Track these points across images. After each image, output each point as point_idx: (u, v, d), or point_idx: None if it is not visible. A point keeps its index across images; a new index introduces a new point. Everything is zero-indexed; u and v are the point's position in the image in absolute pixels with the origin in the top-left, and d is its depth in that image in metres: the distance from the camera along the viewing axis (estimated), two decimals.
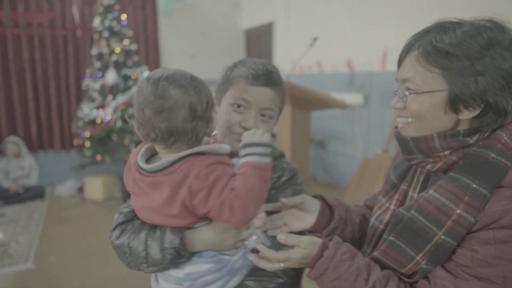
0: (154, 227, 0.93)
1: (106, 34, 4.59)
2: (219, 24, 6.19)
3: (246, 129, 0.96)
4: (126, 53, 4.66)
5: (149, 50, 5.74)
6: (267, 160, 0.87)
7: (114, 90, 4.56)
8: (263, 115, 1.01)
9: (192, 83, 0.85)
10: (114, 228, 1.00)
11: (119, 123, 4.41)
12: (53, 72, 5.20)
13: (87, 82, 4.71)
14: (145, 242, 0.91)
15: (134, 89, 4.55)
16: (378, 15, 3.86)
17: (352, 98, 4.03)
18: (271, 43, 5.64)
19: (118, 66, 4.60)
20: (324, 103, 2.68)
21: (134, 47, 4.72)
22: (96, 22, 4.64)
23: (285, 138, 2.76)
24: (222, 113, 1.01)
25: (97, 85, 4.57)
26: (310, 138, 2.85)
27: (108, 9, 4.61)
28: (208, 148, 0.87)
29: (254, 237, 0.92)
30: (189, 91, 0.83)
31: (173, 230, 0.90)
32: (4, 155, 4.97)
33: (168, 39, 5.91)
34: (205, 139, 0.92)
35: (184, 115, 0.82)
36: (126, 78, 4.62)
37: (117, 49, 4.54)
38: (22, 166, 4.94)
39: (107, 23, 4.59)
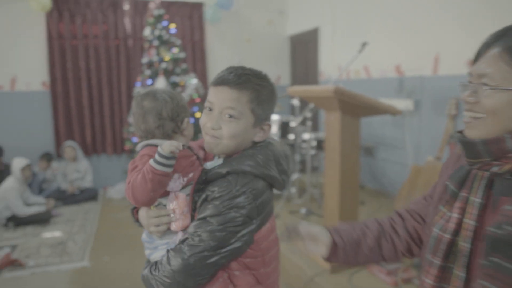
0: None
1: (156, 43, 4.76)
2: (264, 31, 6.25)
3: (211, 128, 1.04)
4: (175, 61, 4.81)
5: (196, 58, 5.89)
6: (156, 167, 1.03)
7: None
8: (229, 115, 1.02)
9: (161, 95, 1.17)
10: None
11: None
12: (106, 81, 5.47)
13: (137, 90, 4.90)
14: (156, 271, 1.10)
15: (182, 96, 4.68)
16: (430, 19, 3.74)
17: (401, 104, 3.91)
18: (316, 49, 5.61)
19: (167, 73, 4.76)
20: (375, 109, 2.62)
21: (182, 55, 4.86)
22: (147, 31, 4.83)
23: (334, 144, 2.72)
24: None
25: None
26: (364, 145, 2.80)
27: (158, 19, 4.79)
28: (154, 142, 1.15)
29: (175, 236, 1.12)
30: (155, 100, 1.16)
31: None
32: (62, 159, 5.27)
33: (215, 47, 6.04)
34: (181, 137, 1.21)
35: (153, 118, 1.15)
36: (174, 85, 4.76)
37: (167, 57, 4.69)
38: (78, 169, 5.21)
39: (157, 32, 4.76)
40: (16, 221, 4.26)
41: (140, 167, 1.09)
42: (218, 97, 1.03)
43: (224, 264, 1.04)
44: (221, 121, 1.03)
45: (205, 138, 1.08)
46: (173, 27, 4.93)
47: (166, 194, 1.12)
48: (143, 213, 1.14)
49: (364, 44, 3.14)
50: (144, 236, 1.18)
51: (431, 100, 3.79)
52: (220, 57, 6.05)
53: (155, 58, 4.76)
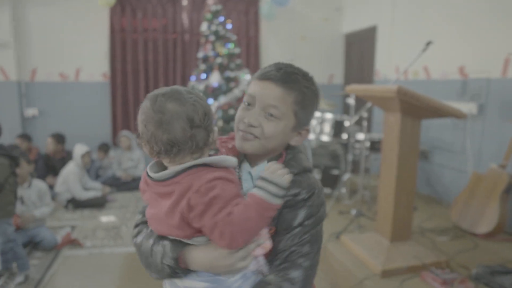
0: (160, 237, 0.94)
1: (212, 38, 4.84)
2: (319, 29, 6.17)
3: (249, 125, 0.94)
4: (230, 56, 4.87)
5: (249, 53, 5.93)
6: (275, 201, 0.86)
7: (216, 91, 4.79)
8: (269, 114, 0.94)
9: (187, 96, 0.88)
10: (135, 226, 1.06)
11: (220, 123, 4.62)
12: (162, 73, 5.65)
13: (192, 83, 5.01)
14: (150, 250, 0.94)
15: (235, 91, 4.74)
16: (500, 17, 3.51)
17: (463, 107, 3.71)
18: (373, 48, 5.45)
19: (222, 68, 4.82)
20: (439, 112, 2.49)
21: (237, 50, 4.91)
22: (204, 27, 4.93)
23: (392, 146, 2.63)
24: None
25: (201, 86, 4.84)
26: (419, 148, 2.69)
27: (215, 14, 4.87)
28: (213, 160, 0.88)
29: (254, 262, 0.91)
30: (184, 103, 0.86)
31: (173, 246, 0.90)
32: (118, 147, 5.52)
33: (269, 43, 6.05)
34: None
35: (182, 126, 0.85)
36: (228, 80, 4.82)
37: (222, 52, 4.76)
38: (132, 158, 5.43)
39: (213, 27, 4.84)
40: (75, 204, 4.52)
41: (232, 195, 0.85)
42: (262, 92, 0.94)
43: None
44: (260, 119, 0.94)
45: (238, 135, 0.98)
46: (229, 22, 4.99)
47: None
48: (213, 253, 0.88)
49: (428, 43, 3.00)
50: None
51: (497, 105, 3.56)
52: (274, 53, 6.06)
53: (210, 53, 4.84)
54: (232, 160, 0.90)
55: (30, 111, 5.44)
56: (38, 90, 5.47)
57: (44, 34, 5.36)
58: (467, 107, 3.69)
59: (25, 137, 5.14)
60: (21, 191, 3.37)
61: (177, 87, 0.91)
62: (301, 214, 0.94)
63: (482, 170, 3.61)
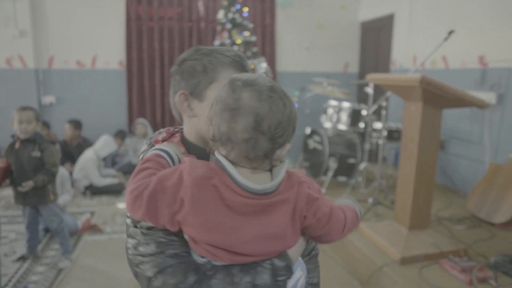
0: (249, 265, 0.80)
1: (228, 26, 4.84)
2: (335, 17, 6.11)
3: None
4: (246, 44, 4.86)
5: (265, 41, 5.92)
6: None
7: None
8: None
9: (270, 93, 0.74)
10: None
11: None
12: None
13: None
14: (252, 283, 0.79)
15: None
16: None
17: (482, 97, 3.67)
18: (390, 36, 5.40)
19: None
20: (461, 101, 2.48)
21: (253, 38, 4.91)
22: (220, 14, 4.92)
23: (413, 135, 2.63)
24: (207, 108, 0.84)
25: None
26: (440, 138, 2.69)
27: (232, 2, 4.85)
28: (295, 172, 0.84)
29: None
30: (262, 99, 0.73)
31: (278, 260, 0.82)
32: (134, 135, 5.59)
33: (284, 31, 6.02)
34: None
35: (245, 123, 0.72)
36: None
37: (239, 40, 4.76)
38: None
39: (230, 15, 4.83)
40: (93, 190, 4.61)
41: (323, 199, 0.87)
42: None
43: None
44: None
45: None
46: (245, 10, 4.98)
47: None
48: (300, 244, 0.88)
49: (451, 32, 2.98)
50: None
51: None
52: (290, 42, 6.03)
53: (227, 41, 4.84)
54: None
55: (48, 99, 5.52)
56: (55, 78, 5.54)
57: (61, 23, 5.41)
58: (486, 96, 3.66)
59: (44, 124, 5.22)
60: None
61: (269, 79, 0.78)
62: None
63: (500, 160, 3.60)
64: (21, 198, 2.81)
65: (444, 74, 4.33)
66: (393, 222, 2.92)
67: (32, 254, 3.04)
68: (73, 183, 4.53)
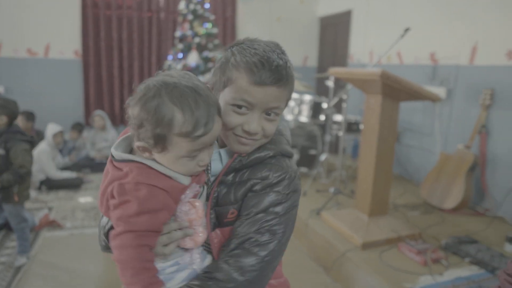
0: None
1: (190, 17, 4.80)
2: (295, 11, 6.23)
3: (249, 133, 0.86)
4: (208, 36, 4.85)
5: (226, 33, 5.92)
6: None
7: (194, 71, 4.78)
8: (268, 114, 0.87)
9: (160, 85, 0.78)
10: None
11: None
12: (137, 52, 5.54)
13: (169, 63, 4.96)
14: (98, 227, 0.95)
15: (213, 71, 4.75)
16: (468, 7, 3.71)
17: (433, 91, 3.92)
18: (347, 32, 5.59)
19: (200, 48, 4.81)
20: (417, 95, 2.66)
21: (215, 30, 4.90)
22: (182, 5, 4.86)
23: (373, 127, 2.78)
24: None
25: (179, 66, 4.81)
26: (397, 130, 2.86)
27: None
28: (163, 170, 0.80)
29: (187, 255, 0.87)
30: (182, 107, 0.75)
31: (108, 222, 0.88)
32: (92, 127, 5.41)
33: (245, 23, 6.05)
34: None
35: (140, 108, 0.77)
36: (206, 60, 4.82)
37: (201, 32, 4.74)
38: (106, 138, 5.33)
39: (191, 6, 4.80)
40: (49, 185, 4.42)
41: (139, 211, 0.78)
42: (263, 99, 0.84)
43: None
44: (261, 122, 0.87)
45: (235, 139, 0.88)
46: (207, 1, 4.95)
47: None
48: None
49: (407, 30, 3.16)
50: None
51: (464, 90, 3.80)
52: (250, 34, 5.89)
53: (188, 32, 4.81)
54: (184, 180, 0.82)
55: None
56: (4, 66, 5.22)
57: (9, 8, 5.09)
58: (437, 91, 3.91)
59: (28, 117, 4.87)
60: None
61: (190, 77, 0.81)
62: (267, 200, 0.87)
63: (449, 150, 3.87)
64: None
65: (399, 69, 4.56)
66: (354, 210, 3.08)
67: None
68: None
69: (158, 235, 0.80)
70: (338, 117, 4.27)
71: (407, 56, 4.52)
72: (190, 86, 0.78)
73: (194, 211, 0.83)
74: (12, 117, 2.70)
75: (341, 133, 3.90)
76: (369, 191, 2.87)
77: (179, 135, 0.76)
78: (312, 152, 4.31)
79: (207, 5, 4.94)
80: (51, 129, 4.52)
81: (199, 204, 0.85)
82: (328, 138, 4.25)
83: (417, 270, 2.47)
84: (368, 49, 5.13)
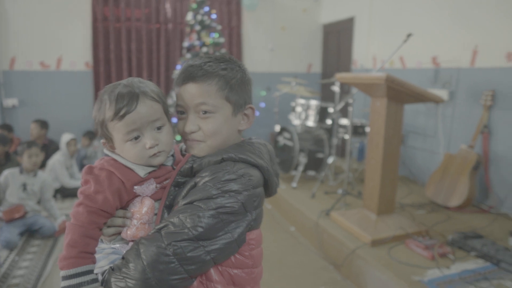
0: None
1: (197, 27, 4.96)
2: (298, 19, 6.40)
3: (190, 132, 0.94)
4: (215, 45, 5.00)
5: (232, 43, 6.08)
6: None
7: None
8: (204, 113, 0.92)
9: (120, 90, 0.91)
10: None
11: None
12: (146, 62, 5.71)
13: (177, 72, 5.10)
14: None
15: None
16: (469, 11, 3.85)
17: (436, 93, 4.05)
18: (350, 38, 5.74)
19: None
20: (421, 97, 2.78)
21: (222, 40, 5.06)
22: (189, 16, 5.03)
23: (379, 129, 2.90)
24: None
25: None
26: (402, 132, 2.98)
27: (200, 4, 4.98)
28: (123, 162, 0.93)
29: (122, 243, 0.95)
30: (109, 96, 0.91)
31: None
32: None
33: (250, 33, 6.22)
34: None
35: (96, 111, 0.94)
36: None
37: (208, 42, 4.89)
38: None
39: (199, 17, 4.96)
40: (64, 193, 4.56)
41: (97, 190, 0.91)
42: (186, 96, 0.92)
43: (206, 266, 0.84)
44: (197, 122, 0.93)
45: (187, 144, 0.97)
46: (214, 12, 5.12)
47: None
48: None
49: (409, 35, 3.29)
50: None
51: (466, 92, 3.92)
52: (255, 43, 6.23)
53: (196, 42, 4.96)
54: (141, 170, 0.93)
55: (10, 101, 5.36)
56: (18, 79, 5.39)
57: (23, 22, 5.28)
58: (439, 94, 4.04)
59: (6, 127, 5.06)
60: (25, 179, 3.42)
61: (133, 80, 0.94)
62: (197, 194, 0.86)
63: (453, 151, 3.98)
64: None
65: (402, 74, 4.69)
66: (362, 209, 3.19)
67: None
68: None
69: (108, 217, 0.91)
70: (344, 121, 4.39)
71: (410, 61, 4.66)
72: (125, 83, 0.92)
73: (138, 206, 0.93)
74: None
75: (347, 136, 4.02)
76: (377, 190, 2.99)
77: (110, 119, 0.89)
78: (320, 155, 4.42)
79: (213, 16, 5.10)
80: (64, 138, 4.67)
81: (148, 202, 0.93)
82: (335, 141, 4.37)
83: (425, 264, 2.57)
84: (371, 55, 5.27)
